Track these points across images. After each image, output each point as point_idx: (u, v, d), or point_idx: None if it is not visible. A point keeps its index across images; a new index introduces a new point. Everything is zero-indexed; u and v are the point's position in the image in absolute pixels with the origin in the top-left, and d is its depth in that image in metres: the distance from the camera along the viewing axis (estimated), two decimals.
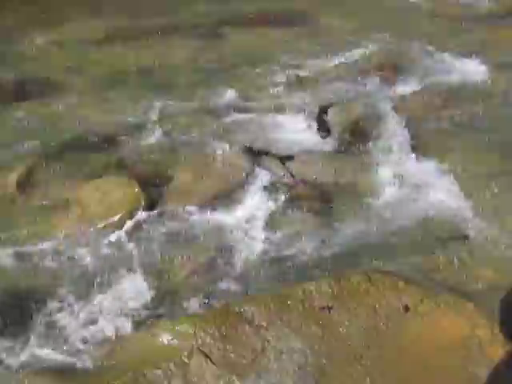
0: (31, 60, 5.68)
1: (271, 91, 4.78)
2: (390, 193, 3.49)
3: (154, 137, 4.19)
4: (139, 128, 4.29)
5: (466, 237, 3.09)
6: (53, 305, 2.77)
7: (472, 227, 3.14)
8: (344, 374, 2.26)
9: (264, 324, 2.43)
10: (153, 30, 6.31)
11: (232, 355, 2.33)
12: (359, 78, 4.95)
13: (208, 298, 2.74)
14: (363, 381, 2.25)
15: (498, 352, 2.29)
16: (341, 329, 2.41)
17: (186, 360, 2.33)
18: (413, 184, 3.55)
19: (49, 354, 2.52)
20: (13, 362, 2.46)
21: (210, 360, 2.32)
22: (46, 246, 3.14)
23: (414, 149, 3.89)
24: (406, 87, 4.77)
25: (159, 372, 2.31)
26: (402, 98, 4.56)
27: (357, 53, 5.58)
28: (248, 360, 2.31)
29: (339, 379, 2.24)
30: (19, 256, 3.09)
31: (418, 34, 5.91)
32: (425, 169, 3.67)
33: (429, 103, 4.48)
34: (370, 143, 3.94)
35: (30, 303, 2.78)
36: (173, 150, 3.98)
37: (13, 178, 3.70)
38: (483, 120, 4.25)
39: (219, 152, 3.84)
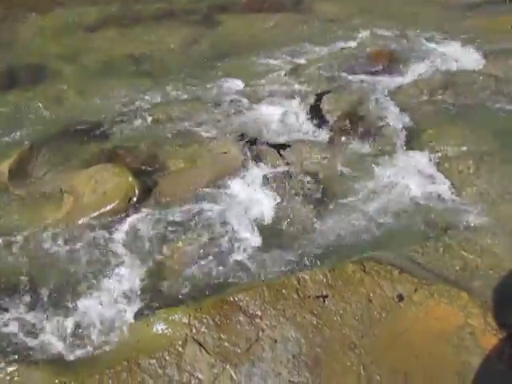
0: (22, 47, 5.61)
1: (266, 79, 4.75)
2: (384, 181, 3.48)
3: (147, 125, 4.16)
4: (132, 116, 4.25)
5: (460, 226, 3.09)
6: (45, 294, 2.76)
7: (467, 216, 3.14)
8: (338, 363, 2.27)
9: (258, 313, 2.43)
10: (146, 17, 6.24)
11: (226, 344, 2.34)
12: (355, 65, 4.92)
13: (202, 288, 2.74)
14: (357, 369, 2.26)
15: (490, 341, 2.32)
16: (335, 317, 2.42)
17: (180, 349, 2.34)
18: (407, 173, 3.54)
19: (42, 344, 2.51)
20: (6, 352, 2.45)
21: (204, 349, 2.32)
22: (38, 234, 3.12)
23: (408, 137, 3.88)
24: (402, 75, 4.75)
25: (153, 361, 2.32)
26: (398, 85, 4.54)
27: (352, 40, 5.55)
28: (242, 349, 2.32)
29: (333, 367, 2.25)
30: (11, 245, 3.07)
31: (414, 22, 5.89)
32: (419, 157, 3.66)
33: (424, 91, 4.46)
34: (365, 131, 3.92)
35: (21, 293, 2.77)
36: (166, 138, 3.95)
37: (4, 166, 3.66)
38: (479, 108, 4.24)
39: (213, 140, 3.82)
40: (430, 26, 5.72)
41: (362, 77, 4.75)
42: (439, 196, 3.34)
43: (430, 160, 3.62)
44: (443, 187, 3.40)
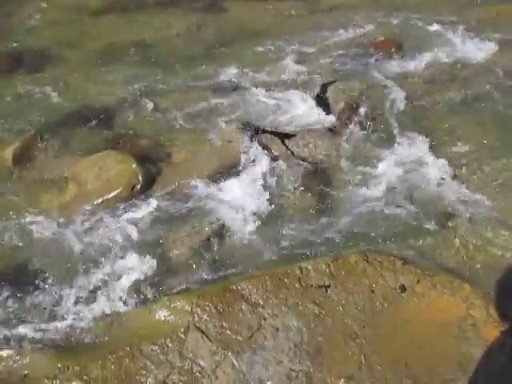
0: (27, 33, 5.57)
1: (271, 67, 4.70)
2: (389, 172, 3.46)
3: (151, 112, 4.14)
4: (136, 103, 4.23)
5: (464, 217, 3.08)
6: (49, 280, 2.78)
7: (470, 207, 3.13)
8: (339, 352, 2.28)
9: (261, 302, 2.44)
10: (151, 3, 6.18)
11: (228, 332, 2.35)
12: (361, 54, 4.88)
13: (205, 276, 2.74)
14: (358, 359, 2.27)
15: (492, 333, 2.32)
16: (337, 307, 2.42)
17: (182, 336, 2.35)
18: (412, 163, 3.53)
19: (45, 328, 2.53)
20: (11, 337, 2.47)
21: (207, 336, 2.34)
22: (42, 220, 3.13)
23: (414, 127, 3.86)
24: (408, 64, 4.70)
25: (156, 347, 2.33)
26: (404, 75, 4.50)
27: (358, 29, 5.48)
28: (244, 337, 2.33)
29: (334, 357, 2.26)
30: (14, 229, 3.08)
31: (421, 10, 5.80)
32: (425, 147, 3.63)
33: (430, 80, 4.42)
34: (370, 121, 3.90)
35: (25, 278, 2.79)
36: (171, 125, 3.93)
37: (9, 151, 3.66)
38: (484, 98, 4.20)
39: (218, 128, 3.80)
40: (436, 15, 5.63)
41: (368, 66, 4.70)
42: (443, 187, 3.32)
43: (435, 150, 3.60)
44: (447, 178, 3.38)
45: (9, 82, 4.64)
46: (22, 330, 2.51)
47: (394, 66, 4.69)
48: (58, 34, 5.48)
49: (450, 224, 3.03)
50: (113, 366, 2.29)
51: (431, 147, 3.62)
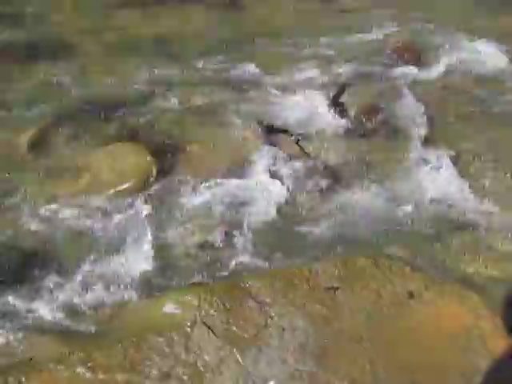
0: (45, 22, 5.62)
1: (288, 67, 4.70)
2: (400, 177, 3.45)
3: (167, 106, 4.16)
4: (153, 96, 4.25)
5: (475, 226, 3.06)
6: (57, 268, 2.80)
7: (482, 216, 3.11)
8: (345, 355, 2.27)
9: (268, 300, 2.44)
10: None
11: (234, 329, 2.35)
12: (379, 58, 4.87)
13: (214, 271, 2.76)
14: (363, 363, 2.27)
15: (499, 344, 2.30)
16: (344, 310, 2.42)
17: (188, 330, 2.36)
18: (425, 170, 3.52)
19: (53, 314, 2.55)
20: (18, 323, 2.49)
21: (213, 332, 2.34)
22: (54, 208, 3.15)
23: (429, 134, 3.84)
24: (426, 70, 4.68)
25: (161, 339, 2.34)
26: (421, 80, 4.48)
27: (378, 32, 5.47)
28: (250, 335, 2.33)
29: (340, 359, 2.26)
30: (26, 216, 3.11)
31: (441, 16, 5.77)
32: (439, 155, 3.62)
33: (448, 87, 4.40)
34: (385, 125, 3.89)
35: (34, 265, 2.81)
36: (186, 120, 3.95)
37: (24, 138, 3.70)
38: (503, 108, 4.17)
39: (233, 125, 3.81)
40: (457, 21, 5.59)
41: (386, 70, 4.69)
42: (455, 194, 3.31)
43: (449, 157, 3.59)
44: (460, 185, 3.37)
45: (26, 70, 4.68)
46: (29, 313, 2.54)
47: (412, 71, 4.67)
48: (76, 25, 5.53)
49: (461, 233, 3.02)
50: (118, 355, 2.30)
51: (446, 155, 3.60)
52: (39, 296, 2.64)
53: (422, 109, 4.07)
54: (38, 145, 3.70)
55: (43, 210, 3.15)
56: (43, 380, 2.21)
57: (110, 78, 4.61)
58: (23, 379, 2.20)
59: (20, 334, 2.42)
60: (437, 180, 3.43)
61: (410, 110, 4.06)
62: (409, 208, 3.21)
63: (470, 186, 3.36)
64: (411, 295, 2.50)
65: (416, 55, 4.93)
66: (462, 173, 3.46)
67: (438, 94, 4.35)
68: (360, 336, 2.34)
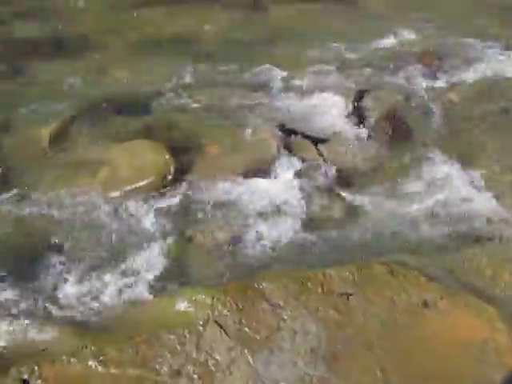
0: (69, 18, 5.70)
1: (309, 70, 4.69)
2: (419, 186, 3.42)
3: (186, 105, 4.19)
4: (174, 95, 4.28)
5: (493, 238, 3.02)
6: (73, 261, 2.83)
7: (501, 228, 3.07)
8: (356, 362, 2.26)
9: (281, 303, 2.44)
10: None
11: (247, 330, 2.35)
12: (399, 64, 4.83)
13: (227, 271, 2.76)
14: (374, 370, 2.25)
15: None
16: (357, 316, 2.40)
17: (200, 329, 2.36)
18: (443, 179, 3.48)
19: (67, 307, 2.58)
20: (33, 315, 2.52)
21: (225, 331, 2.34)
22: (72, 203, 3.19)
23: (448, 142, 3.80)
24: (448, 78, 4.63)
25: (173, 337, 2.35)
26: (443, 89, 4.43)
27: (399, 38, 5.43)
28: (262, 336, 2.33)
29: (351, 366, 2.24)
30: (46, 209, 3.15)
31: (464, 24, 5.71)
32: (457, 165, 3.58)
33: (469, 97, 4.34)
34: (405, 133, 3.86)
35: (49, 257, 2.85)
36: (205, 119, 3.97)
37: (45, 132, 3.75)
38: None
39: (251, 127, 3.81)
40: (480, 30, 5.53)
41: (406, 76, 4.65)
42: (474, 204, 3.26)
43: (468, 168, 3.54)
44: (479, 196, 3.32)
45: (49, 65, 4.75)
46: (44, 304, 2.57)
47: (432, 78, 4.63)
48: (98, 23, 5.60)
49: (478, 243, 2.98)
50: (130, 350, 2.32)
51: (465, 164, 3.56)
52: (54, 288, 2.68)
53: (443, 117, 4.02)
54: (59, 139, 3.75)
55: (61, 204, 3.19)
56: (55, 371, 2.23)
57: (131, 75, 4.66)
58: (36, 369, 2.23)
59: (34, 326, 2.45)
60: (455, 189, 3.38)
61: (430, 118, 4.02)
62: (426, 216, 3.18)
63: (488, 196, 3.31)
64: (426, 304, 2.47)
65: (438, 63, 4.89)
66: (481, 183, 3.41)
67: (459, 103, 4.30)
68: (372, 343, 2.32)
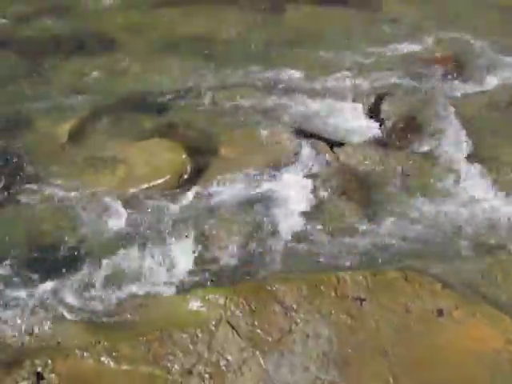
0: (91, 17, 5.75)
1: (326, 73, 4.67)
2: (436, 191, 3.39)
3: (204, 105, 4.20)
4: (191, 95, 4.30)
5: (509, 249, 2.98)
6: (89, 258, 2.85)
7: None
8: (368, 367, 2.25)
9: (294, 306, 2.44)
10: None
11: (258, 331, 2.36)
12: (419, 69, 4.78)
13: (241, 271, 2.76)
14: (386, 377, 2.23)
15: None
16: (370, 322, 2.39)
17: (213, 329, 2.38)
18: (461, 186, 3.44)
19: (82, 302, 2.61)
20: (48, 310, 2.55)
21: (237, 332, 2.35)
22: (89, 199, 3.22)
23: (466, 149, 3.75)
24: (466, 83, 4.58)
25: (185, 335, 2.36)
26: (462, 94, 4.38)
27: (418, 43, 5.37)
28: (274, 338, 2.33)
29: (362, 371, 2.24)
30: (64, 205, 3.19)
31: (484, 29, 5.63)
32: (475, 172, 3.53)
33: (488, 102, 4.29)
34: (423, 138, 3.83)
35: (66, 254, 2.88)
36: (222, 120, 3.98)
37: (64, 129, 3.80)
38: None
39: (268, 129, 3.81)
40: (500, 35, 5.46)
41: (425, 81, 4.61)
42: (493, 213, 3.22)
43: (487, 175, 3.50)
44: (499, 204, 3.28)
45: (69, 62, 4.80)
46: (59, 300, 2.60)
47: (451, 83, 4.58)
48: (118, 22, 5.64)
49: (494, 254, 2.94)
50: (142, 347, 2.34)
51: (484, 173, 3.51)
52: (70, 285, 2.70)
53: (461, 123, 3.98)
54: (77, 135, 3.80)
55: (79, 200, 3.22)
56: (68, 365, 2.26)
57: (149, 74, 4.69)
58: (49, 362, 2.26)
59: (50, 321, 2.48)
60: (473, 197, 3.34)
61: (449, 124, 3.98)
62: (442, 224, 3.15)
63: (507, 205, 3.26)
64: (440, 313, 2.45)
65: (457, 68, 4.83)
66: (500, 191, 3.36)
67: (478, 110, 4.24)
68: (385, 349, 2.31)
